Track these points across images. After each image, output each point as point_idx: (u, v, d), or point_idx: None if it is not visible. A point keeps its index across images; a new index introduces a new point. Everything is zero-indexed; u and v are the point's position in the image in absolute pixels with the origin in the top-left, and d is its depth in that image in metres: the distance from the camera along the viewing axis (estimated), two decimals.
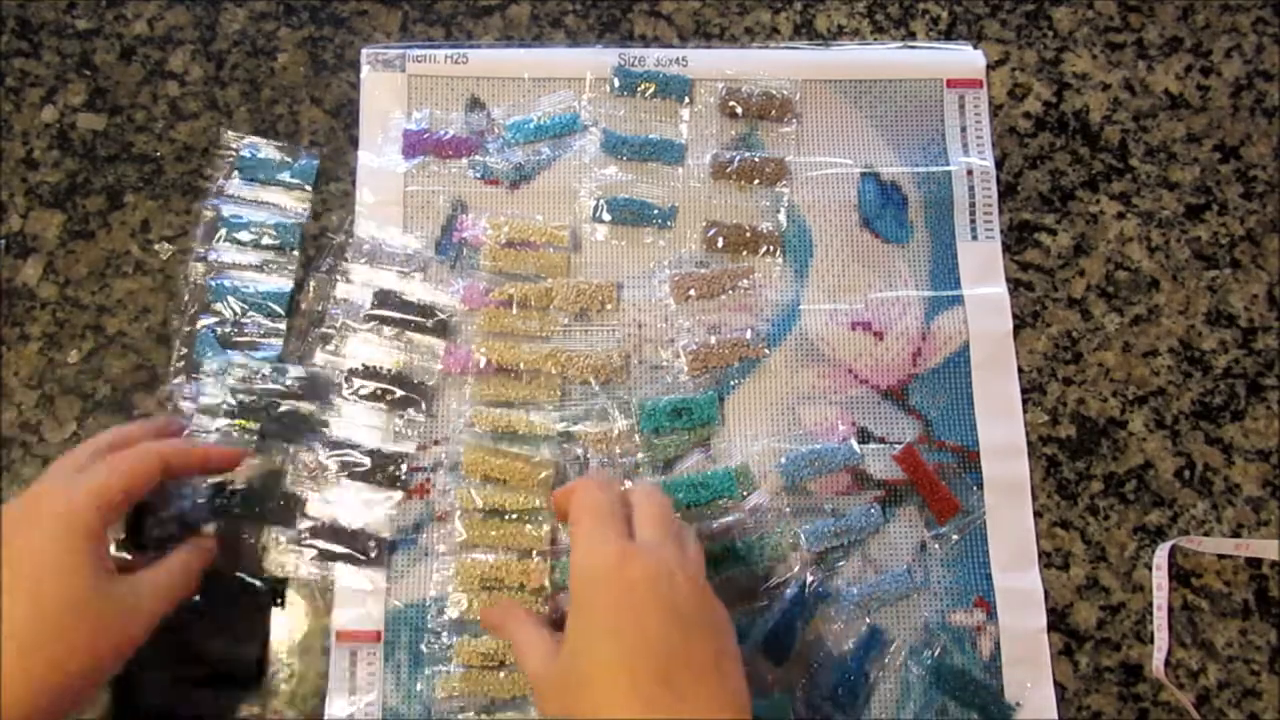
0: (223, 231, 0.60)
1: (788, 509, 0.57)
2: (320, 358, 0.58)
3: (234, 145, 0.61)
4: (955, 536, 0.57)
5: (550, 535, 0.56)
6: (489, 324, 0.58)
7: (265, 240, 0.60)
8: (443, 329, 0.59)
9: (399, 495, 0.56)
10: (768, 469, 0.58)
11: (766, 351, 0.60)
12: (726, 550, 0.56)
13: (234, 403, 0.56)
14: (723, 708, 0.41)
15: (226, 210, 0.60)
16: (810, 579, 0.56)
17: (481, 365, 0.57)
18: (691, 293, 0.60)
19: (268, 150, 0.61)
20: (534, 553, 0.56)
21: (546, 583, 0.55)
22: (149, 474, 0.48)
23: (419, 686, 0.54)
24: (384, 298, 0.59)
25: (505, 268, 0.59)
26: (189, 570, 0.50)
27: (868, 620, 0.55)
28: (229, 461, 0.54)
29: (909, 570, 0.56)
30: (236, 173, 0.61)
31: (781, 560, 0.56)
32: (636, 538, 0.45)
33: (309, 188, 0.61)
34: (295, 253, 0.60)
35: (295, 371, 0.57)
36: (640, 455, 0.57)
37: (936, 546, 0.57)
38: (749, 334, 0.60)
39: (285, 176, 0.61)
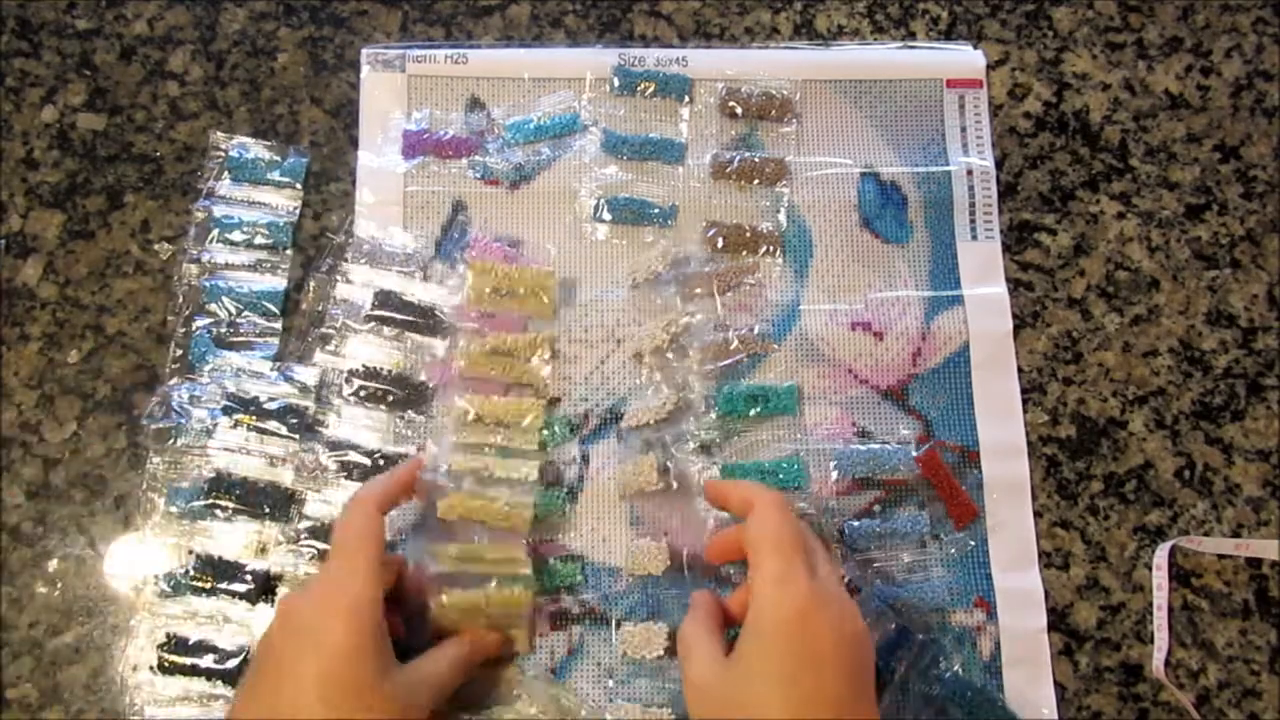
0: (215, 232, 0.60)
1: (834, 504, 0.57)
2: (320, 358, 0.58)
3: (223, 146, 0.61)
4: (972, 543, 0.57)
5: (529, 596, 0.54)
6: (470, 367, 0.57)
7: (258, 240, 0.60)
8: (443, 329, 0.59)
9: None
10: (819, 463, 0.58)
11: (775, 347, 0.60)
12: None
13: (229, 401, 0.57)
14: None
15: (218, 211, 0.60)
16: (842, 574, 0.56)
17: (469, 419, 0.56)
18: (698, 291, 0.60)
19: (257, 150, 0.61)
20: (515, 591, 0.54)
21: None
22: (382, 529, 0.49)
23: None
24: (384, 298, 0.59)
25: (490, 309, 0.58)
26: (461, 662, 0.50)
27: (895, 621, 0.55)
28: (413, 471, 0.53)
29: (947, 584, 0.56)
30: (227, 173, 0.61)
31: None
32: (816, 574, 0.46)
33: (299, 186, 0.61)
34: (288, 251, 0.60)
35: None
36: (709, 435, 0.58)
37: (936, 547, 0.57)
38: (756, 330, 0.60)
39: (275, 176, 0.61)
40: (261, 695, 0.45)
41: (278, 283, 0.59)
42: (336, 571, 0.47)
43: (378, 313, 0.58)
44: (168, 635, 0.54)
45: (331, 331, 0.58)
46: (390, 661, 0.46)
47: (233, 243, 0.60)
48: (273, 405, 0.57)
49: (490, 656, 0.53)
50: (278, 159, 0.61)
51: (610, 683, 0.55)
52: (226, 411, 0.57)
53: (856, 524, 0.57)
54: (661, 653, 0.54)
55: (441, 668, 0.49)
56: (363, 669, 0.44)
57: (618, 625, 0.55)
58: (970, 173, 0.63)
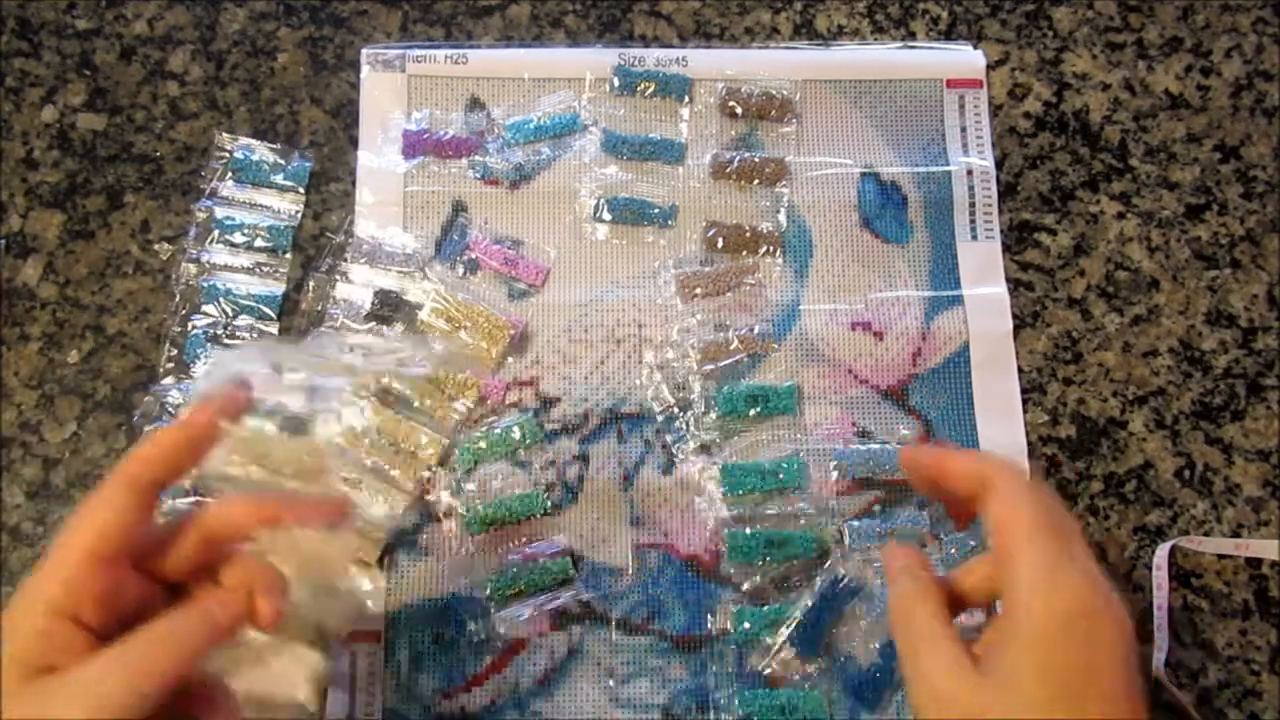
0: (215, 233, 0.60)
1: (833, 504, 0.57)
2: None
3: (228, 147, 0.61)
4: (972, 543, 0.57)
5: None
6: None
7: (258, 243, 0.60)
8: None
9: (405, 496, 0.56)
10: (819, 462, 0.58)
11: (776, 347, 0.60)
12: (786, 539, 0.56)
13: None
14: None
15: (220, 212, 0.60)
16: (843, 574, 0.56)
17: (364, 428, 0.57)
18: (698, 291, 0.60)
19: (261, 152, 0.61)
20: None
21: None
22: (121, 526, 0.37)
23: (419, 686, 0.54)
24: (384, 298, 0.59)
25: (441, 333, 0.58)
26: (176, 651, 0.36)
27: None
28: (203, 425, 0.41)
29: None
30: (230, 174, 0.61)
31: (824, 553, 0.56)
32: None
33: (302, 190, 0.61)
34: (288, 256, 0.60)
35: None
36: (709, 435, 0.58)
37: (936, 547, 0.57)
38: (756, 330, 0.60)
39: (279, 179, 0.61)
40: None
41: (276, 287, 0.59)
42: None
43: (379, 312, 0.58)
44: None
45: (331, 331, 0.58)
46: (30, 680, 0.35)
47: (233, 244, 0.60)
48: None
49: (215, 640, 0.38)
50: (281, 162, 0.61)
51: (610, 682, 0.55)
52: None
53: (856, 524, 0.57)
54: None
55: (129, 668, 0.35)
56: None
57: (618, 625, 0.55)
58: (970, 173, 0.63)
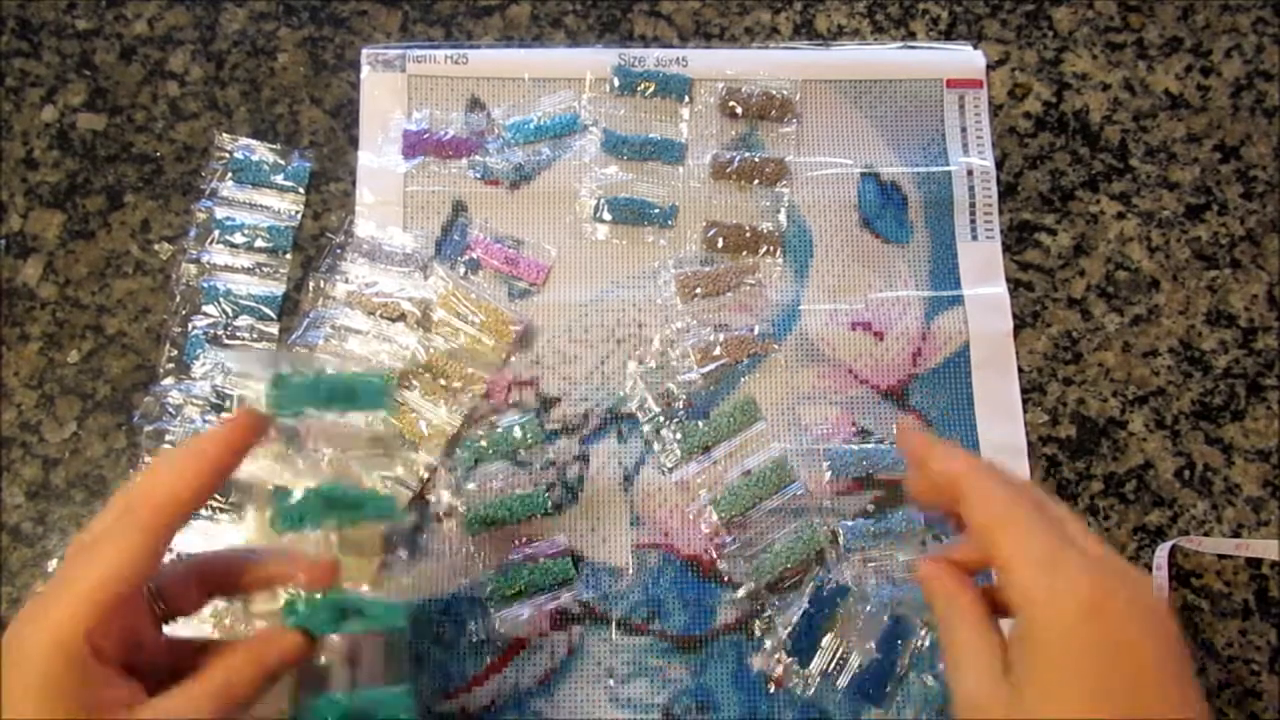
0: (215, 233, 0.60)
1: (827, 504, 0.57)
2: (318, 358, 0.58)
3: (228, 148, 0.61)
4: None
5: None
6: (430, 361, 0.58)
7: (258, 243, 0.60)
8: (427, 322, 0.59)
9: (407, 493, 0.56)
10: (814, 463, 0.58)
11: (776, 347, 0.60)
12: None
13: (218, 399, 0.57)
14: None
15: (220, 212, 0.60)
16: (834, 577, 0.56)
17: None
18: (698, 291, 0.60)
19: (261, 152, 0.61)
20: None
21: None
22: (157, 535, 0.37)
23: (419, 686, 0.54)
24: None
25: (442, 330, 0.58)
26: (231, 694, 0.37)
27: (887, 617, 0.55)
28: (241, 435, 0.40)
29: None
30: (230, 175, 0.61)
31: (816, 554, 0.56)
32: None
33: (302, 190, 0.61)
34: (288, 256, 0.60)
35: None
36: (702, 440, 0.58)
37: (938, 548, 0.57)
38: (756, 330, 0.60)
39: (279, 179, 0.61)
40: None
41: (276, 287, 0.59)
42: (53, 586, 0.36)
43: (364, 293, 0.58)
44: None
45: (331, 331, 0.58)
46: (110, 703, 0.35)
47: (233, 245, 0.60)
48: None
49: (285, 665, 0.40)
50: (281, 162, 0.61)
51: (610, 682, 0.55)
52: (215, 410, 0.57)
53: (850, 524, 0.57)
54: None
55: (195, 706, 0.36)
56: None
57: (618, 625, 0.55)
58: (970, 173, 0.63)
